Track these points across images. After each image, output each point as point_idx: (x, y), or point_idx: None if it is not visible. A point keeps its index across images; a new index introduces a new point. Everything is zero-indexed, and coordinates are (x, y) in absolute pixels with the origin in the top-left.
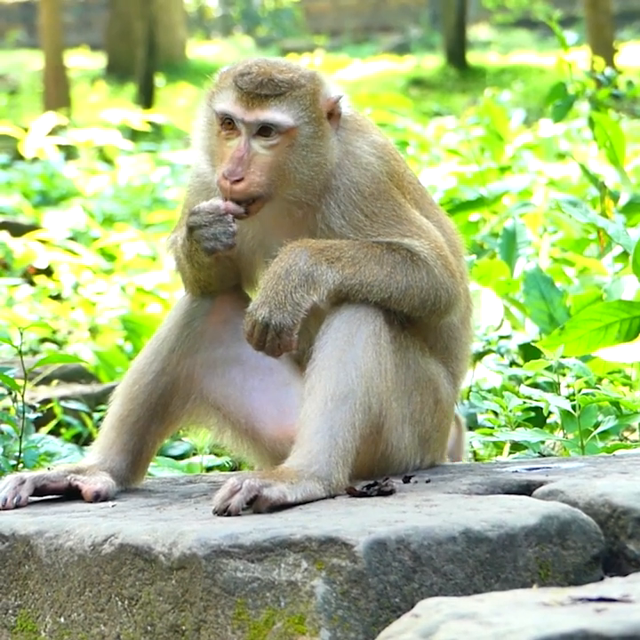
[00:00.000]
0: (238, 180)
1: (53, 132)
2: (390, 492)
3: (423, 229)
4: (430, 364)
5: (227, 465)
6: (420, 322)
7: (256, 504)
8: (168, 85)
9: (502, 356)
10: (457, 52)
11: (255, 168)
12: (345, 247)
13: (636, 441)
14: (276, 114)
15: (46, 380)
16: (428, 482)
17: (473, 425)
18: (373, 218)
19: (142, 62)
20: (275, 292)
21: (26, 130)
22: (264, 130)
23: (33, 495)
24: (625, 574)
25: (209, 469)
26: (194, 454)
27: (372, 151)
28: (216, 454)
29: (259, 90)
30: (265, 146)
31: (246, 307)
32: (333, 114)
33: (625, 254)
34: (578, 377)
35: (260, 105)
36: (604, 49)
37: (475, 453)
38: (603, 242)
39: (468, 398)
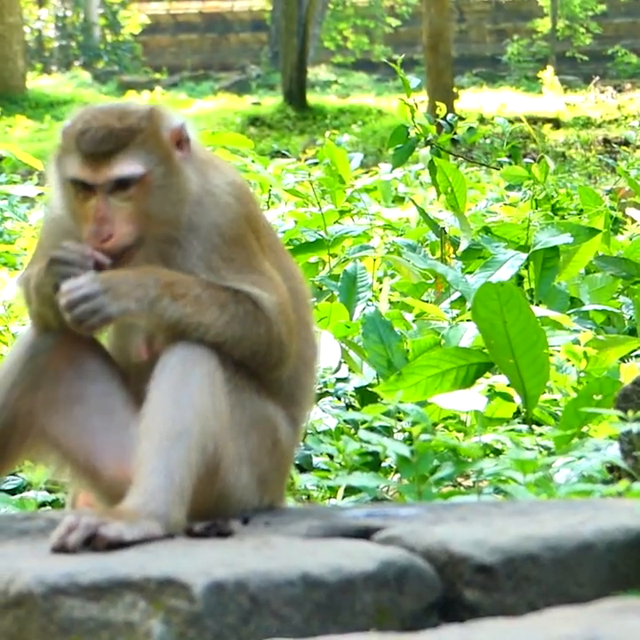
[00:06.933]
0: (106, 239)
1: None
2: (229, 534)
3: (272, 284)
4: (268, 405)
5: (61, 501)
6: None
7: (94, 542)
8: (6, 117)
9: (339, 398)
10: (296, 91)
11: (119, 221)
12: (193, 285)
13: (470, 487)
14: (124, 167)
15: None
16: (266, 524)
17: (308, 466)
18: (229, 263)
19: None
20: (125, 282)
21: None
22: (118, 185)
23: None
24: (461, 621)
25: (42, 505)
26: (27, 489)
27: (230, 191)
28: (49, 491)
29: (102, 147)
30: (123, 199)
31: (91, 346)
32: (181, 142)
33: (462, 300)
34: (415, 423)
35: (107, 163)
36: (444, 93)
37: (309, 496)
38: (440, 287)
39: (303, 440)
